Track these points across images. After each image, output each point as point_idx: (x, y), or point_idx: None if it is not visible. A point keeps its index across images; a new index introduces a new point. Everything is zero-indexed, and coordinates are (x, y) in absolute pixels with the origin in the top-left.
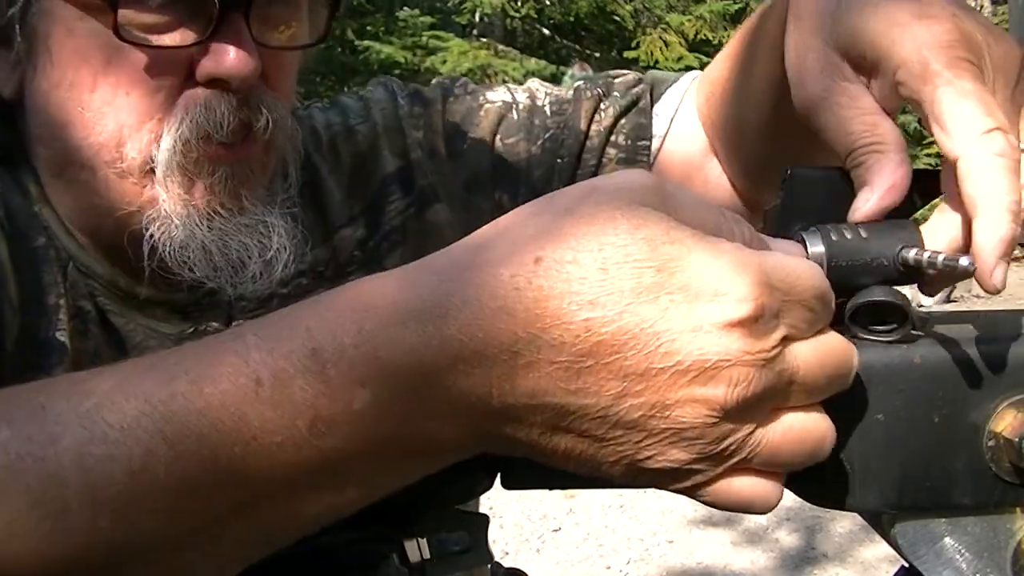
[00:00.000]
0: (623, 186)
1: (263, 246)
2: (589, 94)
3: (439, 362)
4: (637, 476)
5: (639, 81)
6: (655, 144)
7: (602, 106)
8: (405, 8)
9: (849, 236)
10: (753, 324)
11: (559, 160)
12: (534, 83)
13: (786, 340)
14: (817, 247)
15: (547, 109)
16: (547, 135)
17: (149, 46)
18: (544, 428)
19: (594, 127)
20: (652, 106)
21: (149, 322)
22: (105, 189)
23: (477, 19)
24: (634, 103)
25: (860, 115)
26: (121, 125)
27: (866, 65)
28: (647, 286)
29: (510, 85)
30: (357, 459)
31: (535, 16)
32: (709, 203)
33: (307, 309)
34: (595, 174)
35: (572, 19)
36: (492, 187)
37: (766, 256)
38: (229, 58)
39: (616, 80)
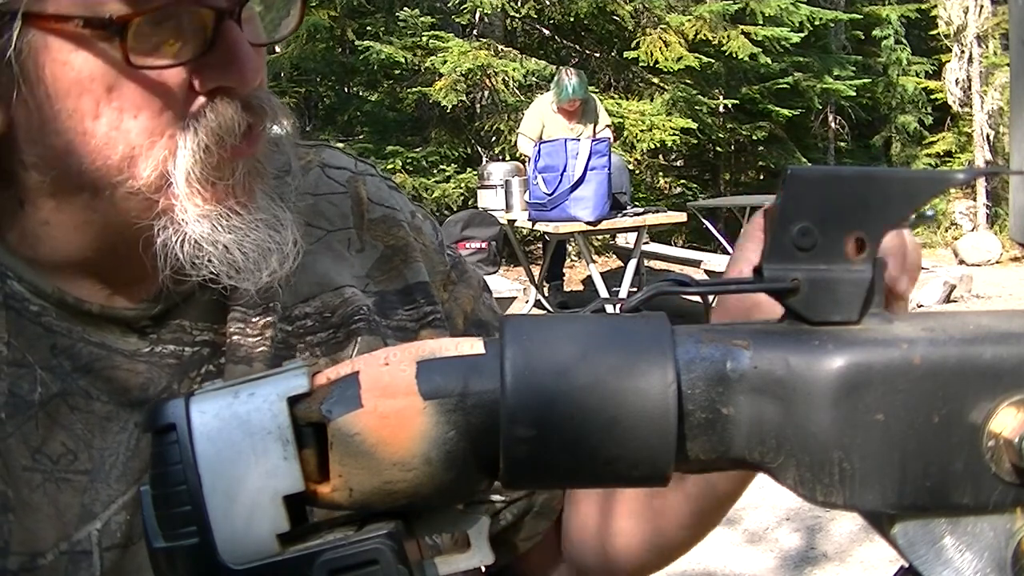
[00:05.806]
0: None
1: (279, 241)
2: None
3: None
4: None
5: None
6: None
7: None
8: (405, 8)
9: None
10: None
11: None
12: None
13: None
14: None
15: None
16: None
17: (154, 67)
18: None
19: None
20: None
21: (104, 338)
22: (109, 208)
23: (477, 19)
24: None
25: None
26: (132, 147)
27: None
28: None
29: None
30: None
31: (535, 16)
32: None
33: None
34: None
35: (572, 19)
36: None
37: None
38: (234, 68)
39: None
